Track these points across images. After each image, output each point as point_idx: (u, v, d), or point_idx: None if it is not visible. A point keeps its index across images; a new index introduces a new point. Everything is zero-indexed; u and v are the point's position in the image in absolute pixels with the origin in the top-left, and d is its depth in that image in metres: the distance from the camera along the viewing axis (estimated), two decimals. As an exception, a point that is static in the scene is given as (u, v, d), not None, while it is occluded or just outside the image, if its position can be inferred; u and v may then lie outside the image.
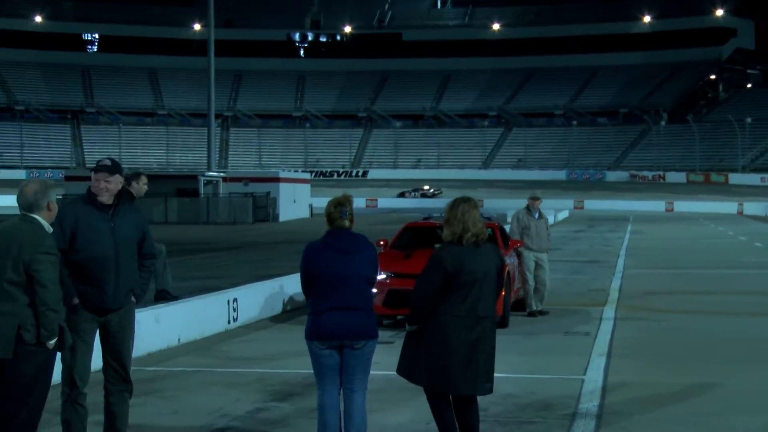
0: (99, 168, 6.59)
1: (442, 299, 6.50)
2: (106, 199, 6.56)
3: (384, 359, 10.43)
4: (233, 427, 7.85)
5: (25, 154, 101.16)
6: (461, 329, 6.49)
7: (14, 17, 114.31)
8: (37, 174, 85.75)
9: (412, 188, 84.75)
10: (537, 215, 15.10)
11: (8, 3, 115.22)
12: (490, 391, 6.70)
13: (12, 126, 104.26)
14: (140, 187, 11.55)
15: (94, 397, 7.33)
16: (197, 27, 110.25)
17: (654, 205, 75.11)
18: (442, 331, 6.49)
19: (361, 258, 6.50)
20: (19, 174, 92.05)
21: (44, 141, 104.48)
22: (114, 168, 6.63)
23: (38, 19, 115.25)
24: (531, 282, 14.77)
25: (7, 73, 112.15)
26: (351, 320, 6.43)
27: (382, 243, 14.90)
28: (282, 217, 53.33)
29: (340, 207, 6.53)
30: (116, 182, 6.61)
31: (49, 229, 5.98)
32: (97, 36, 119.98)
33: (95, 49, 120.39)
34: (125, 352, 6.79)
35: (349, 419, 6.51)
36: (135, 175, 11.72)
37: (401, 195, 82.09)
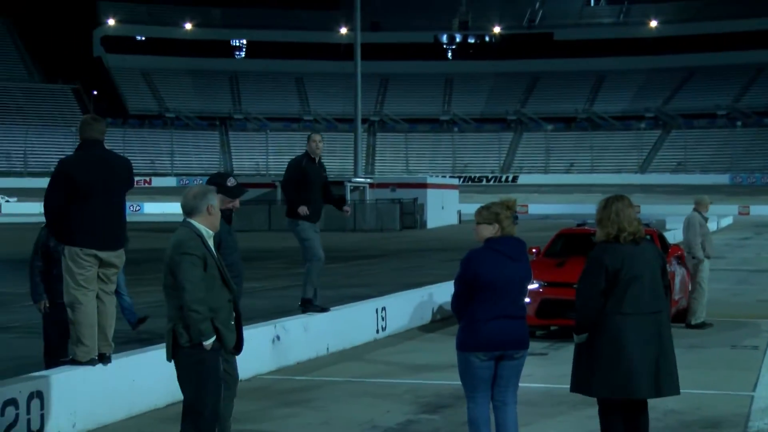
0: (239, 192, 7.09)
1: (608, 301, 6.33)
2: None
3: (537, 371, 10.33)
4: (384, 439, 7.89)
5: (175, 162, 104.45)
6: (633, 328, 6.30)
7: (166, 25, 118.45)
8: (187, 181, 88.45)
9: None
10: None
11: (160, 12, 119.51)
12: (677, 391, 6.50)
13: (163, 133, 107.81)
14: (317, 145, 12.02)
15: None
16: (343, 31, 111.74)
17: (829, 211, 72.13)
18: (613, 333, 6.30)
19: (524, 265, 6.45)
20: (170, 181, 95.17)
21: (194, 148, 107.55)
22: None
23: (188, 26, 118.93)
24: (706, 292, 14.45)
25: (158, 80, 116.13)
26: (513, 329, 6.38)
27: (534, 251, 14.74)
28: (430, 224, 53.35)
29: (509, 212, 6.46)
30: None
31: (208, 233, 6.13)
32: (244, 42, 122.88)
33: (243, 55, 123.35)
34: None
35: (502, 433, 6.47)
36: (308, 138, 12.21)
37: None
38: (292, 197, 11.85)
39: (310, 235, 11.78)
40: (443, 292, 15.27)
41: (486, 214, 6.45)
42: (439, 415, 8.68)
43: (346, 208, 12.31)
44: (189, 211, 6.15)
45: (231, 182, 7.02)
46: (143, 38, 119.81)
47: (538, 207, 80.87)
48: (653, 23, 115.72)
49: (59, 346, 8.44)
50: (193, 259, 5.97)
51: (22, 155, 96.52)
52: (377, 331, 13.47)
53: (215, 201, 6.20)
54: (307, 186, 11.79)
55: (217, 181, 7.30)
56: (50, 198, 7.94)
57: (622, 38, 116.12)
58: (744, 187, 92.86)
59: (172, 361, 6.13)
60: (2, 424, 7.17)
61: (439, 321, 15.12)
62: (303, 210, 11.73)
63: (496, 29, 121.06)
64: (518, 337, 6.41)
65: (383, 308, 13.71)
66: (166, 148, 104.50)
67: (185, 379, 6.07)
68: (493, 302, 6.32)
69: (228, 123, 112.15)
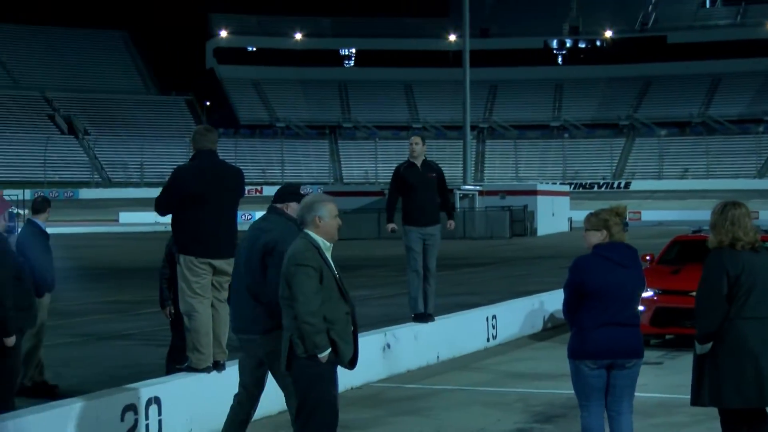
0: None
1: (730, 307, 6.18)
2: None
3: (652, 381, 10.16)
4: (495, 448, 7.86)
5: (285, 170, 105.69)
6: (758, 333, 6.15)
7: (276, 36, 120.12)
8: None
9: None
10: None
11: (270, 23, 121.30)
12: None
13: (273, 143, 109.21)
14: (412, 147, 12.23)
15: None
16: (452, 38, 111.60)
17: None
18: (738, 339, 6.14)
19: (635, 272, 6.35)
20: (272, 191, 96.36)
21: (303, 157, 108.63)
22: None
23: (298, 36, 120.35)
24: None
25: (269, 90, 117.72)
26: (623, 337, 6.28)
27: (648, 258, 14.52)
28: (540, 231, 52.78)
29: (619, 218, 6.39)
30: None
31: (325, 245, 6.14)
32: (353, 51, 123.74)
33: (352, 64, 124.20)
34: None
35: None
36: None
37: None
38: (388, 207, 11.98)
39: (412, 245, 11.75)
40: (554, 300, 15.13)
41: (594, 221, 6.40)
42: (552, 425, 8.60)
43: (450, 222, 12.14)
44: (300, 221, 6.20)
45: (305, 190, 7.04)
46: (254, 49, 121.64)
47: (651, 213, 79.47)
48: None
49: (183, 351, 8.62)
50: (308, 270, 5.96)
51: (138, 166, 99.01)
52: (488, 340, 13.43)
53: (324, 212, 6.13)
54: (407, 191, 11.81)
55: (292, 190, 7.20)
56: (161, 201, 8.17)
57: (739, 40, 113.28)
58: None
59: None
60: (122, 428, 7.39)
61: (550, 329, 14.99)
62: (389, 228, 11.85)
63: (608, 33, 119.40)
64: (629, 345, 6.31)
65: (494, 316, 13.65)
66: (277, 158, 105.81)
67: (299, 389, 6.12)
68: (601, 310, 6.24)
69: (337, 131, 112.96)
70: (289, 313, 6.04)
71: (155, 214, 8.66)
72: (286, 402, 6.80)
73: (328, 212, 6.15)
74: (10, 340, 7.58)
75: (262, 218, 7.13)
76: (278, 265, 6.42)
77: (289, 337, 6.05)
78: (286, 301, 6.06)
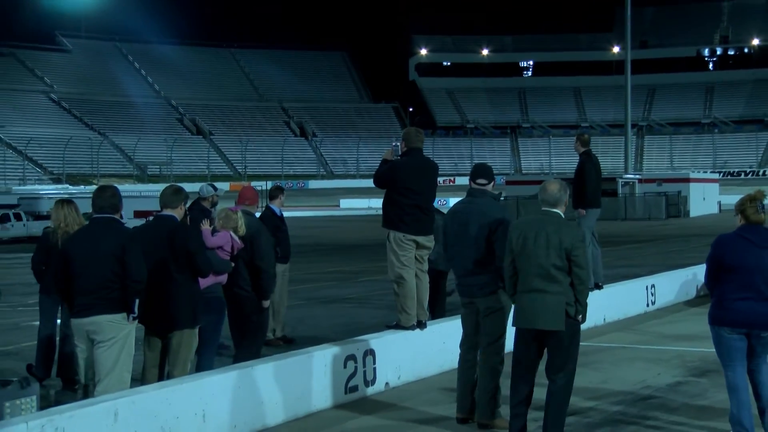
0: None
1: None
2: None
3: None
4: (657, 397, 7.63)
5: (474, 164, 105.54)
6: None
7: (467, 52, 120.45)
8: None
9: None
10: None
11: (462, 41, 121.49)
12: None
13: (464, 141, 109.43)
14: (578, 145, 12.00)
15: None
16: (615, 50, 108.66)
17: None
18: None
19: None
20: (463, 181, 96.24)
21: (489, 152, 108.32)
22: None
23: (485, 52, 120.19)
24: None
25: (461, 98, 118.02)
26: (757, 310, 5.85)
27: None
28: (692, 214, 51.01)
29: (755, 202, 6.03)
30: None
31: None
32: (531, 63, 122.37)
33: (530, 74, 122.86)
34: None
35: (759, 397, 6.02)
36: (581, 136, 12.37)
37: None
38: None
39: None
40: (706, 273, 14.50)
41: (735, 207, 6.11)
42: (706, 379, 8.27)
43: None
44: (554, 202, 6.11)
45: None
46: (449, 63, 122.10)
47: (794, 197, 74.70)
48: None
49: None
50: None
51: (355, 161, 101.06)
52: (647, 305, 13.06)
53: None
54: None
55: (491, 170, 7.16)
56: (378, 178, 8.15)
57: None
58: None
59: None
60: (345, 374, 7.60)
61: (703, 296, 14.38)
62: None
63: (755, 41, 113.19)
64: (762, 318, 5.86)
65: (652, 285, 13.29)
66: (467, 153, 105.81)
67: (566, 343, 6.01)
68: (740, 283, 5.88)
69: (517, 131, 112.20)
70: (564, 280, 5.92)
71: (368, 200, 8.73)
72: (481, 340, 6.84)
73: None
74: (267, 303, 7.94)
75: (468, 201, 6.93)
76: (503, 239, 6.41)
77: (564, 302, 5.92)
78: (561, 271, 5.91)
